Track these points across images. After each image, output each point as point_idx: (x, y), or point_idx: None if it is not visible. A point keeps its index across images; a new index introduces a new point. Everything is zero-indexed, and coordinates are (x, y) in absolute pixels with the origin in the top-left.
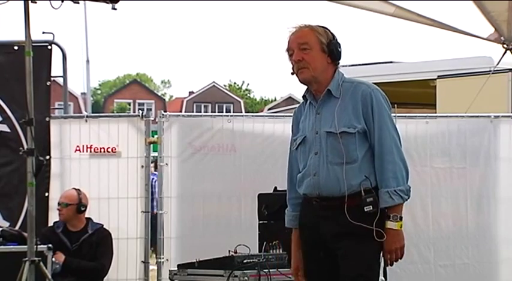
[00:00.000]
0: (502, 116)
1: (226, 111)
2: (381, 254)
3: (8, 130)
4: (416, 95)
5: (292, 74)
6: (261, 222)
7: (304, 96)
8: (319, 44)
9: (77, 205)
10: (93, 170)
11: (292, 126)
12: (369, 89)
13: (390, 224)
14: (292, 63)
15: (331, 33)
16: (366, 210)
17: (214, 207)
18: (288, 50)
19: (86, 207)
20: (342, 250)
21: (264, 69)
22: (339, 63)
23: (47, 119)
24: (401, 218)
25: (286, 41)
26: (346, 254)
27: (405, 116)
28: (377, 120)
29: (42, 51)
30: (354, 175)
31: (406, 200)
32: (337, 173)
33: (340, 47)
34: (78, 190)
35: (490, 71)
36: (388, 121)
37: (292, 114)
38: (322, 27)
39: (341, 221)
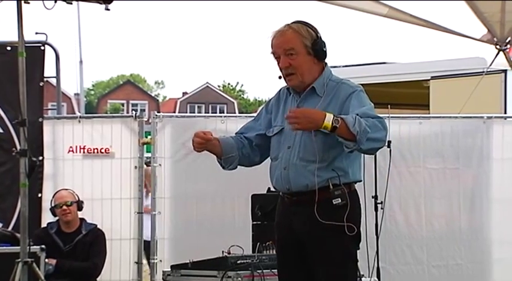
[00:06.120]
0: (495, 117)
1: (219, 112)
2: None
3: (1, 131)
4: (410, 95)
5: (280, 78)
6: (254, 223)
7: (287, 88)
8: (304, 48)
9: (77, 202)
10: (86, 171)
11: (270, 102)
12: (351, 89)
13: (327, 119)
14: (279, 67)
15: (314, 31)
16: (334, 203)
17: (207, 208)
18: (273, 53)
19: (83, 204)
20: (314, 246)
21: (258, 70)
22: (324, 61)
23: (40, 119)
24: (337, 125)
25: (270, 43)
26: (319, 251)
27: (398, 117)
28: (355, 111)
29: (35, 52)
30: (322, 172)
31: (363, 139)
32: (306, 169)
33: (325, 45)
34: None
35: (483, 72)
36: (370, 113)
37: None
38: (305, 25)
39: (311, 217)
